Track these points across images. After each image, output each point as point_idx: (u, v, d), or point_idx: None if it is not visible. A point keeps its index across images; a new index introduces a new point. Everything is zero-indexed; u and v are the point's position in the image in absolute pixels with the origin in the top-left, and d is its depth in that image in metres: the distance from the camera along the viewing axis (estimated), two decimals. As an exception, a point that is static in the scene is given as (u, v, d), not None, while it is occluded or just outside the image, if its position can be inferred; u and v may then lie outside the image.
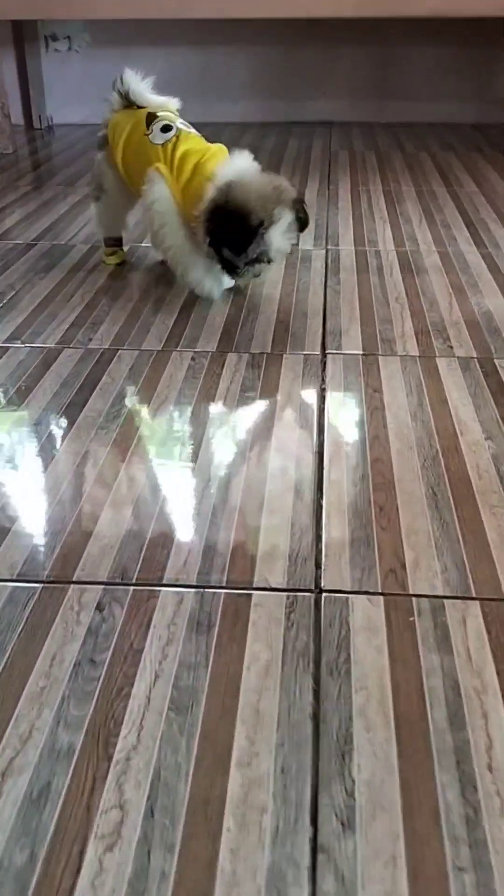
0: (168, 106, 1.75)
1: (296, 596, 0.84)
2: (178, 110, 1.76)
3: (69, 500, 1.02)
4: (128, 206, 1.78)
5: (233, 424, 1.19)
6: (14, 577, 0.88)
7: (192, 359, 1.41)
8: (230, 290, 1.68)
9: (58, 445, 1.14)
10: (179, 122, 1.68)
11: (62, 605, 0.84)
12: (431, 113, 3.47)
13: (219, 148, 1.63)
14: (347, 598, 0.84)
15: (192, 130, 1.68)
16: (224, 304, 1.63)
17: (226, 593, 0.85)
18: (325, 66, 3.50)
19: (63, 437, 1.16)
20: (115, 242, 1.84)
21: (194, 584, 0.87)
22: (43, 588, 0.87)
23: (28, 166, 2.93)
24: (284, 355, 1.41)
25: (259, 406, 1.24)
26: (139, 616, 0.82)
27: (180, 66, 3.58)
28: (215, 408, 1.24)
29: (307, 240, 1.99)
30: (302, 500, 1.01)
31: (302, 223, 1.56)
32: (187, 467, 1.09)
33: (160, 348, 1.45)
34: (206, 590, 0.86)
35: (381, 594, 0.84)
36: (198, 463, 1.09)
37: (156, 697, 0.73)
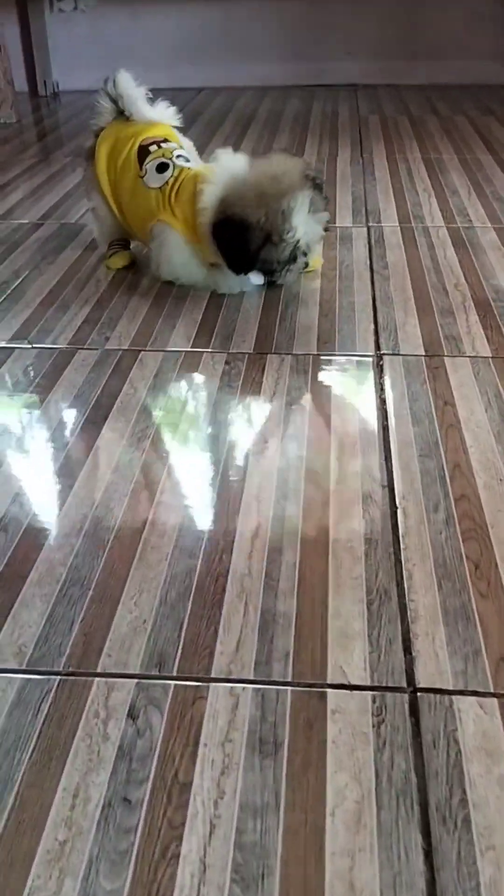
0: (163, 123, 1.53)
1: (383, 697, 0.66)
2: (176, 127, 1.56)
3: (87, 552, 0.83)
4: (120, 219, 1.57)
5: (280, 452, 0.99)
6: (24, 667, 0.70)
7: (227, 363, 1.21)
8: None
9: (73, 478, 0.95)
10: (176, 152, 1.46)
11: (85, 711, 0.65)
12: (465, 73, 3.22)
13: (207, 168, 1.42)
14: (451, 702, 0.65)
15: (189, 160, 1.48)
16: (258, 294, 1.43)
17: (293, 691, 0.67)
18: (350, 24, 3.25)
19: (78, 468, 0.97)
20: (119, 242, 1.59)
21: (251, 678, 0.68)
22: (60, 682, 0.68)
23: (33, 137, 2.71)
24: (333, 357, 1.21)
25: (310, 425, 1.04)
26: (184, 728, 0.64)
27: (196, 26, 3.33)
28: (258, 427, 1.04)
29: (345, 215, 1.78)
30: (375, 551, 0.81)
31: (320, 190, 1.38)
32: (230, 509, 0.90)
33: (188, 348, 1.26)
34: (268, 687, 0.67)
35: (495, 695, 0.66)
36: (242, 503, 0.90)
37: (214, 863, 0.54)
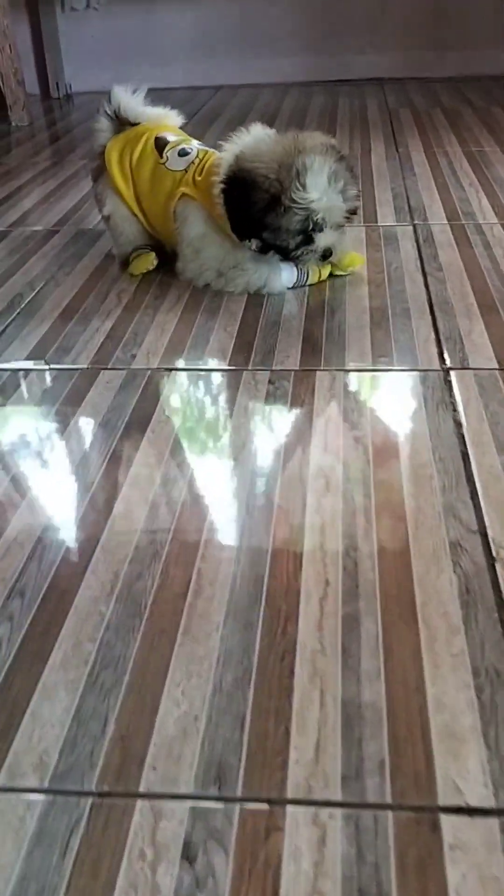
0: (167, 120, 1.45)
1: (515, 828, 0.50)
2: (181, 127, 1.48)
3: (121, 623, 0.68)
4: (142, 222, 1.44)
5: (342, 490, 0.84)
6: (47, 785, 0.55)
7: (271, 382, 1.06)
8: (305, 286, 1.32)
9: (100, 526, 0.80)
10: (195, 143, 1.40)
11: (127, 849, 0.51)
12: (498, 63, 3.06)
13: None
14: None
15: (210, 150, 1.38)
16: (299, 301, 1.28)
17: (395, 817, 0.51)
18: (374, 15, 3.10)
19: (105, 514, 0.82)
20: (142, 248, 1.45)
21: (339, 799, 0.53)
22: (93, 807, 0.53)
23: (46, 139, 2.58)
24: (392, 373, 1.06)
25: (375, 457, 0.89)
26: (257, 875, 0.49)
27: (213, 22, 3.19)
28: (313, 460, 0.89)
29: (387, 213, 1.63)
30: (475, 617, 0.66)
31: (345, 163, 1.25)
32: (290, 562, 0.75)
33: (226, 366, 1.11)
34: (362, 811, 0.52)
35: None
36: (304, 555, 0.75)
37: None
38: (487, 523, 0.77)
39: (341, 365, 1.09)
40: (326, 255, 1.27)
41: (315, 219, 1.21)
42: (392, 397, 1.01)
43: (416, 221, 1.58)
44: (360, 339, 1.15)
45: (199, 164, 1.33)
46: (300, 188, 1.19)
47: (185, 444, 0.94)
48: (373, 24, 3.11)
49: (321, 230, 1.23)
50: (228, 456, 0.91)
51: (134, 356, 1.15)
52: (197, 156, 1.35)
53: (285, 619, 0.68)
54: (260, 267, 1.29)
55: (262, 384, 1.06)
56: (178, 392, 1.06)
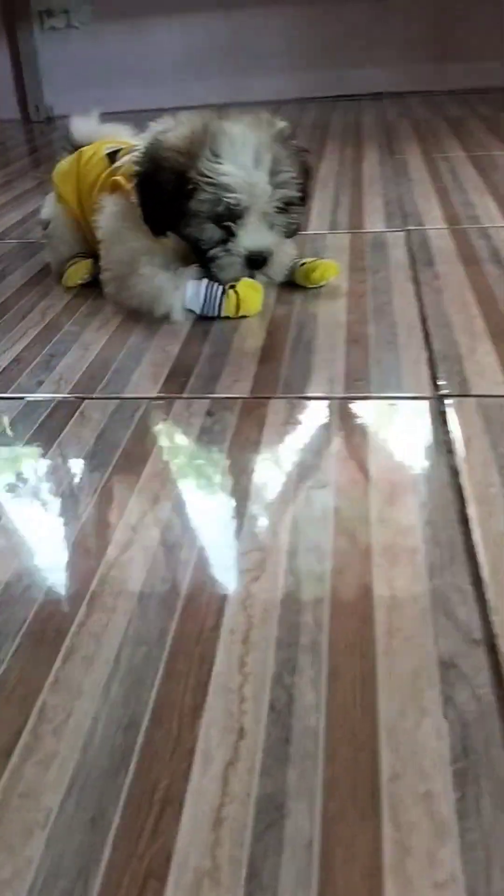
0: (120, 135, 1.25)
1: None
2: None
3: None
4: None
5: (285, 570, 0.57)
6: None
7: (209, 413, 0.80)
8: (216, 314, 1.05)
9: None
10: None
11: None
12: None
13: None
14: None
15: None
16: (259, 316, 1.03)
17: None
18: (372, 28, 2.89)
19: None
20: (80, 256, 1.21)
21: None
22: None
23: (10, 160, 2.36)
24: (370, 401, 0.80)
25: (336, 517, 0.62)
26: None
27: (201, 38, 3.00)
28: (245, 529, 0.63)
29: (376, 220, 1.38)
30: (479, 812, 0.39)
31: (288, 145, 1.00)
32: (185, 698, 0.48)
33: (154, 393, 0.85)
34: None
35: None
36: (215, 676, 0.49)
37: None
38: (497, 626, 0.50)
39: (302, 391, 0.83)
40: (254, 263, 0.99)
41: (229, 201, 0.94)
42: (367, 433, 0.75)
43: (409, 227, 1.33)
44: (331, 360, 0.89)
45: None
46: (211, 158, 0.94)
47: (80, 498, 0.67)
48: (371, 37, 2.90)
49: (240, 220, 0.96)
50: (134, 512, 0.65)
51: (41, 383, 0.90)
52: None
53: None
54: (158, 277, 1.02)
55: (198, 416, 0.80)
56: (83, 427, 0.80)
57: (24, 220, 1.61)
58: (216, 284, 1.00)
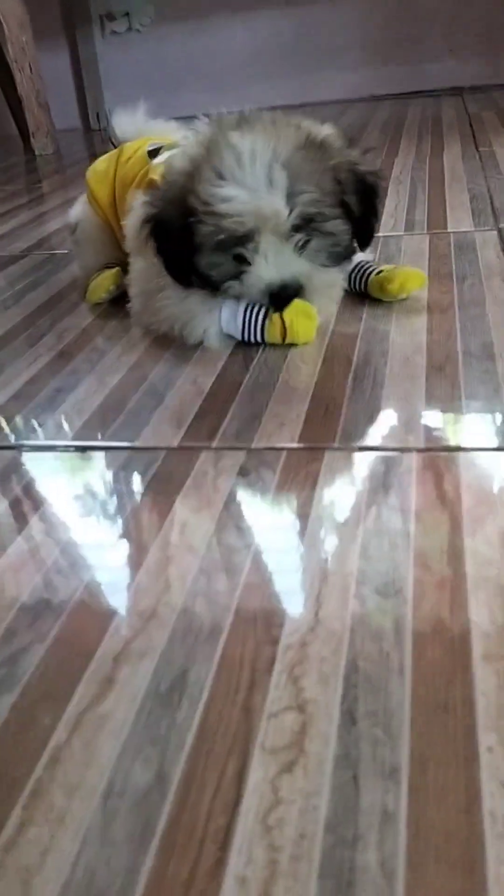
0: (170, 133, 1.05)
1: None
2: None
3: None
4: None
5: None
6: None
7: (243, 470, 0.60)
8: (257, 340, 0.85)
9: None
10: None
11: None
12: None
13: None
14: None
15: None
16: (315, 349, 0.82)
17: None
18: (451, 18, 2.66)
19: None
20: (110, 266, 1.03)
21: None
22: None
23: (60, 168, 2.22)
24: (460, 453, 0.59)
25: (421, 636, 0.41)
26: None
27: (266, 37, 2.82)
28: (284, 641, 0.42)
29: (461, 218, 1.16)
30: None
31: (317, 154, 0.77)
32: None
33: (175, 443, 0.66)
34: None
35: None
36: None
37: None
38: None
39: (369, 441, 0.62)
40: (278, 298, 0.78)
41: (230, 227, 0.74)
42: (457, 503, 0.53)
43: (502, 225, 1.11)
44: (407, 396, 0.68)
45: None
46: (213, 181, 0.74)
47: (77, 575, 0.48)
48: (449, 28, 2.67)
49: (251, 245, 0.75)
50: (154, 587, 0.45)
51: (40, 425, 0.71)
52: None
53: None
54: (188, 300, 0.82)
55: (227, 474, 0.60)
56: (79, 485, 0.61)
57: (62, 229, 1.45)
58: (257, 305, 0.80)
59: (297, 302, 0.79)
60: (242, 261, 0.76)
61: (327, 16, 2.74)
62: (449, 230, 1.11)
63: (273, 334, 0.80)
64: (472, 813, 0.33)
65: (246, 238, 0.74)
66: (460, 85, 2.69)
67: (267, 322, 0.80)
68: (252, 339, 0.81)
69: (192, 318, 0.82)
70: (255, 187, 0.72)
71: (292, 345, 0.80)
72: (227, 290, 0.78)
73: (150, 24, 2.93)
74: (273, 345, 0.81)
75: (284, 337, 0.80)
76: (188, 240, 0.76)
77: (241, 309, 0.80)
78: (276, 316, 0.79)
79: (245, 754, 0.37)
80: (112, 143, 1.11)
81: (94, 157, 1.05)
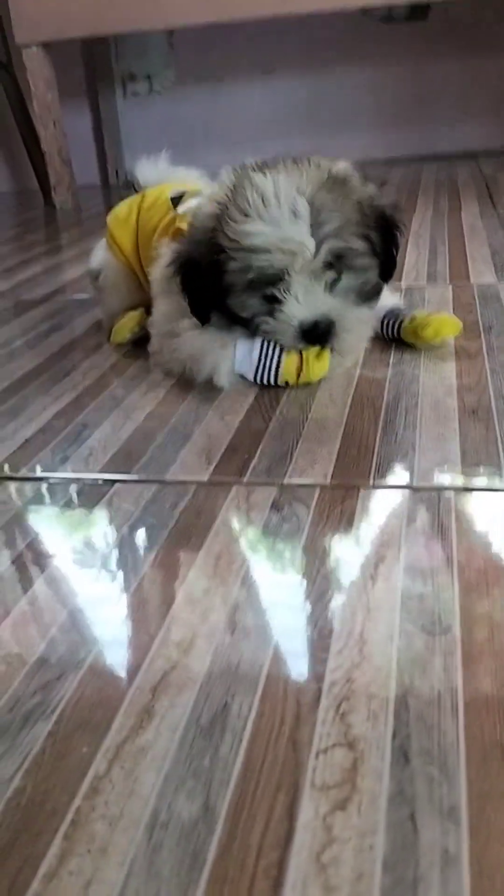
0: (191, 180, 1.09)
1: None
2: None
3: None
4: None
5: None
6: None
7: (276, 506, 0.59)
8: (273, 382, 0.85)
9: None
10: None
11: None
12: None
13: None
14: None
15: None
16: (345, 380, 0.82)
17: None
18: (465, 83, 2.74)
19: None
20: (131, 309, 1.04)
21: None
22: None
23: (80, 221, 2.26)
24: (498, 493, 0.58)
25: (471, 672, 0.40)
26: None
27: (283, 99, 2.90)
28: (330, 690, 0.41)
29: (482, 270, 1.17)
30: None
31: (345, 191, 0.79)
32: None
33: (205, 476, 0.65)
34: None
35: None
36: None
37: None
38: None
39: (404, 479, 0.61)
40: (310, 336, 0.78)
41: (261, 265, 0.74)
42: (500, 541, 0.52)
43: (527, 278, 1.12)
44: (441, 436, 0.67)
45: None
46: (238, 218, 0.75)
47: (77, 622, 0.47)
48: (464, 92, 2.74)
49: (282, 284, 0.76)
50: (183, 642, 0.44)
51: (66, 459, 0.70)
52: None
53: None
54: (201, 338, 0.82)
55: (259, 509, 0.59)
56: (113, 521, 0.60)
57: (83, 276, 1.46)
58: (273, 344, 0.80)
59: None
60: (273, 300, 0.76)
61: (342, 79, 2.82)
62: (472, 282, 1.12)
63: (289, 371, 0.80)
64: (539, 854, 0.31)
65: (277, 278, 0.75)
66: (473, 149, 2.75)
67: (282, 359, 0.80)
68: (265, 379, 0.81)
69: (204, 356, 0.82)
70: (279, 221, 0.73)
71: (307, 385, 0.80)
72: (258, 326, 0.78)
73: (171, 87, 3.01)
74: (286, 385, 0.81)
75: (299, 375, 0.80)
76: (217, 279, 0.77)
77: (257, 348, 0.80)
78: (293, 353, 0.79)
79: (295, 790, 0.35)
80: (134, 189, 1.13)
81: (101, 210, 1.06)
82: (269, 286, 0.76)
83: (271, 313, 0.77)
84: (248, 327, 0.79)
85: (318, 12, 2.19)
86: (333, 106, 2.83)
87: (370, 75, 2.78)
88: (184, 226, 0.89)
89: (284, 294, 0.75)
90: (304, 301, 0.75)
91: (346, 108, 2.82)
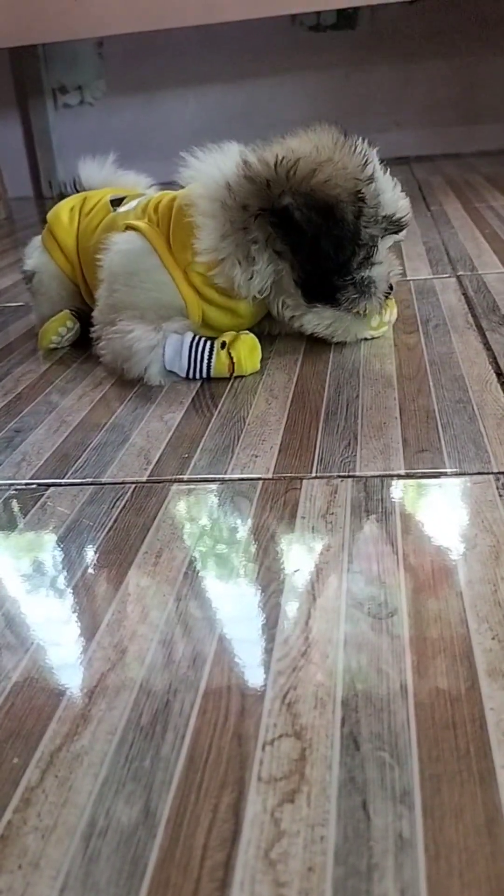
0: (137, 186, 1.10)
1: None
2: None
3: None
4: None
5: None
6: None
7: (217, 501, 0.57)
8: (204, 375, 0.84)
9: None
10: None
11: None
12: (540, 134, 2.69)
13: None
14: None
15: None
16: (286, 373, 0.81)
17: None
18: (396, 89, 2.78)
19: None
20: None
21: None
22: None
23: (13, 231, 2.22)
24: (443, 481, 0.57)
25: (422, 663, 0.39)
26: None
27: (217, 109, 2.90)
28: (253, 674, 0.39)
29: (419, 267, 1.17)
30: None
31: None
32: None
33: (144, 477, 0.63)
34: None
35: None
36: None
37: None
38: None
39: (350, 469, 0.60)
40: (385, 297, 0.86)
41: (386, 215, 0.82)
42: (443, 524, 0.51)
43: (460, 272, 1.12)
44: (383, 425, 0.67)
45: (152, 202, 0.90)
46: (377, 198, 0.81)
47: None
48: (395, 101, 2.78)
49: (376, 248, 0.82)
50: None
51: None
52: (149, 199, 0.92)
53: None
54: (131, 336, 0.81)
55: (203, 504, 0.57)
56: (47, 524, 0.57)
57: (16, 284, 1.43)
58: (203, 340, 0.81)
59: (242, 335, 0.81)
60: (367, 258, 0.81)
61: (275, 90, 2.83)
62: (409, 278, 1.12)
63: (220, 367, 0.81)
64: (492, 830, 0.30)
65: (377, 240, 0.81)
66: (406, 154, 2.79)
67: (214, 356, 0.79)
68: (198, 374, 0.81)
69: (134, 355, 0.80)
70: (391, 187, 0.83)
71: (253, 375, 0.79)
72: (360, 293, 0.82)
73: (102, 97, 2.99)
74: (240, 377, 0.80)
75: (232, 370, 0.80)
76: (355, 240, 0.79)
77: (187, 345, 0.80)
78: (222, 351, 0.80)
79: (241, 785, 0.33)
80: (75, 188, 1.11)
81: (44, 223, 1.03)
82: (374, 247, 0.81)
83: (366, 267, 0.81)
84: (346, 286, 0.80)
85: (244, 19, 2.19)
86: (267, 114, 2.84)
87: (302, 84, 2.80)
88: (138, 223, 0.87)
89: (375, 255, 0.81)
90: (385, 259, 0.83)
91: (280, 116, 2.83)
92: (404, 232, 0.85)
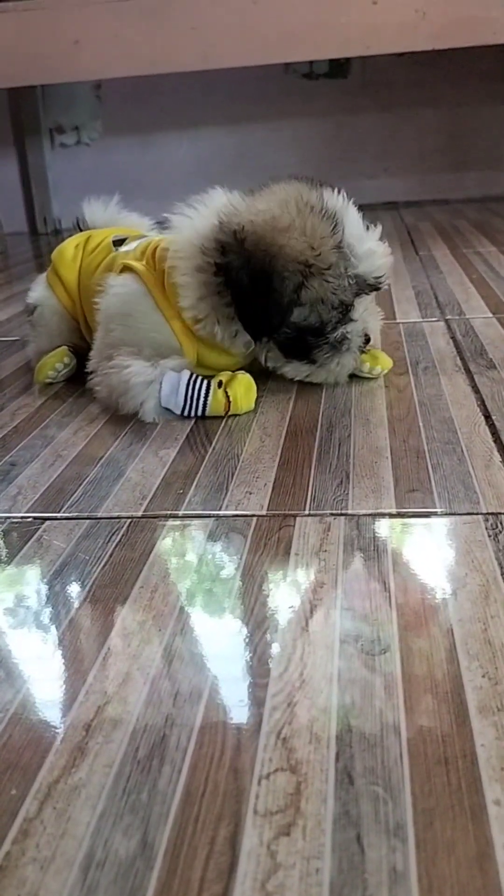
0: (140, 227, 1.12)
1: None
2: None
3: None
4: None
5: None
6: None
7: (211, 537, 0.58)
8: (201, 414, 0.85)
9: None
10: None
11: None
12: (526, 182, 2.75)
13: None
14: None
15: None
16: (279, 411, 0.82)
17: None
18: (385, 136, 2.84)
19: None
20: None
21: None
22: None
23: (8, 266, 2.25)
24: (432, 520, 0.58)
25: (413, 706, 0.40)
26: None
27: (211, 152, 2.95)
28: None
29: (408, 310, 1.20)
30: None
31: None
32: None
33: (139, 512, 0.64)
34: None
35: None
36: None
37: None
38: None
39: (342, 507, 0.61)
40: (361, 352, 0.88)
41: (358, 276, 0.82)
42: (434, 563, 0.52)
43: (448, 316, 1.15)
44: (373, 466, 0.68)
45: (151, 244, 0.92)
46: (347, 258, 0.81)
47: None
48: (385, 148, 2.84)
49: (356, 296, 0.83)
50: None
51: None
52: (149, 241, 0.94)
53: None
54: (127, 372, 0.82)
55: (198, 539, 0.58)
56: (43, 558, 0.58)
57: (10, 319, 1.45)
58: (200, 379, 0.82)
59: (239, 375, 0.83)
60: (347, 308, 0.82)
61: (268, 135, 2.89)
62: (399, 321, 1.14)
63: (216, 406, 0.82)
64: (484, 865, 0.31)
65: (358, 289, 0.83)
66: (395, 199, 2.84)
67: (210, 394, 0.81)
68: (194, 412, 0.82)
69: (130, 389, 0.82)
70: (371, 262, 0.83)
71: (245, 415, 0.81)
72: (336, 342, 0.84)
73: (98, 138, 3.04)
74: (234, 416, 0.82)
75: (228, 409, 0.81)
76: (302, 295, 0.79)
77: (184, 383, 0.81)
78: (219, 391, 0.81)
79: (237, 818, 0.34)
80: (79, 227, 1.13)
81: (39, 258, 1.05)
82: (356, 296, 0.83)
83: (343, 319, 0.82)
84: (318, 333, 0.82)
85: (239, 66, 2.24)
86: (260, 159, 2.90)
87: (294, 130, 2.86)
88: (135, 264, 0.89)
89: (357, 301, 0.83)
90: (360, 317, 0.84)
91: (272, 161, 2.88)
92: (384, 286, 0.86)
